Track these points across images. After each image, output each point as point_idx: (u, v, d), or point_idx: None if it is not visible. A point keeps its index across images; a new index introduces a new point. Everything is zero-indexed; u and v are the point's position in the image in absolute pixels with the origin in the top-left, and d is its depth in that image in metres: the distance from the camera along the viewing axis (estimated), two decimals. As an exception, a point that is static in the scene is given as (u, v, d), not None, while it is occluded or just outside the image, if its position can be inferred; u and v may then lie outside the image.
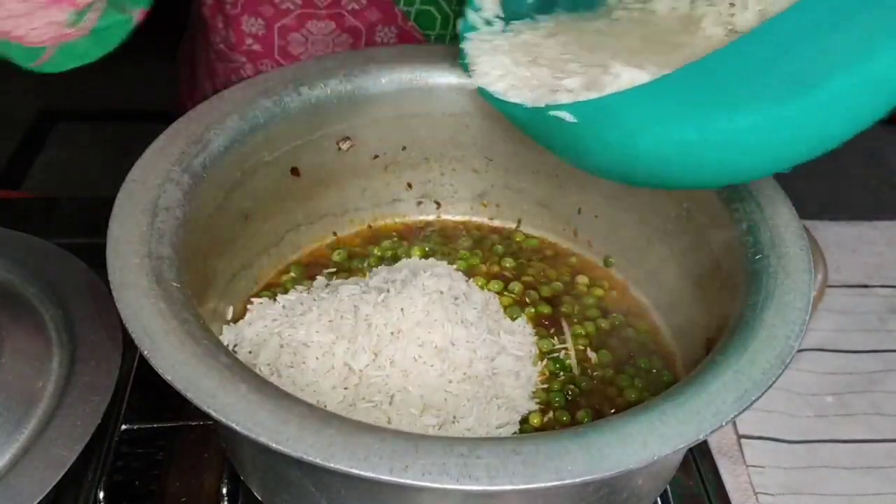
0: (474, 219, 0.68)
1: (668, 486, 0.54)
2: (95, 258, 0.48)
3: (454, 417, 0.48)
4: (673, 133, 0.42)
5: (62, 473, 0.47)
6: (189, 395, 0.37)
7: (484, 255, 0.63)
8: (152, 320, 0.40)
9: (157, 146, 0.50)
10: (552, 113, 0.45)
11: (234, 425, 0.36)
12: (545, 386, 0.53)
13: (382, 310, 0.51)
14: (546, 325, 0.58)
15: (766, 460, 0.59)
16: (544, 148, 0.52)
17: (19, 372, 0.51)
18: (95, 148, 1.93)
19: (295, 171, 0.59)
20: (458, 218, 0.68)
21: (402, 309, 0.51)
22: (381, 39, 0.72)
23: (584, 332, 0.57)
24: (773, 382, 0.40)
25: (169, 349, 0.39)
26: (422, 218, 0.67)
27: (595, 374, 0.55)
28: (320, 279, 0.59)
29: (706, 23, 0.48)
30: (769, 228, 0.49)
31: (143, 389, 0.57)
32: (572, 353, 0.56)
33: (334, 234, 0.65)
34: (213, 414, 0.37)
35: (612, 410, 0.53)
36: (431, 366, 0.50)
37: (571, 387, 0.54)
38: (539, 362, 0.55)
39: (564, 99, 0.46)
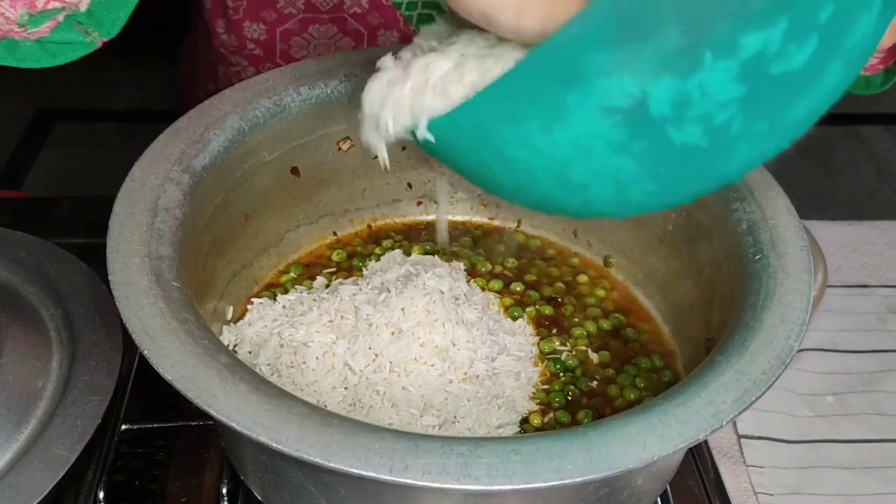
0: (474, 219, 0.68)
1: (668, 486, 0.54)
2: (95, 258, 0.48)
3: (454, 417, 0.48)
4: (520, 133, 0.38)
5: (62, 473, 0.47)
6: (189, 395, 0.37)
7: (485, 254, 0.63)
8: (152, 320, 0.40)
9: (157, 146, 0.50)
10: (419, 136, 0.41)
11: (234, 425, 0.36)
12: (546, 386, 0.53)
13: (384, 309, 0.51)
14: (547, 326, 0.58)
15: (766, 460, 0.59)
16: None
17: (19, 372, 0.51)
18: (95, 148, 1.93)
19: (295, 171, 0.59)
20: (459, 218, 0.68)
21: (402, 309, 0.51)
22: (384, 43, 0.72)
23: (585, 333, 0.57)
24: (773, 382, 0.41)
25: (169, 349, 0.39)
26: (422, 218, 0.67)
27: (596, 374, 0.55)
28: (320, 279, 0.59)
29: None
30: (769, 228, 0.49)
31: (143, 389, 0.57)
32: (574, 353, 0.56)
33: (334, 233, 0.65)
34: (213, 414, 0.37)
35: (612, 411, 0.53)
36: (432, 366, 0.50)
37: (571, 387, 0.54)
38: (540, 363, 0.55)
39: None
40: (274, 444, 0.36)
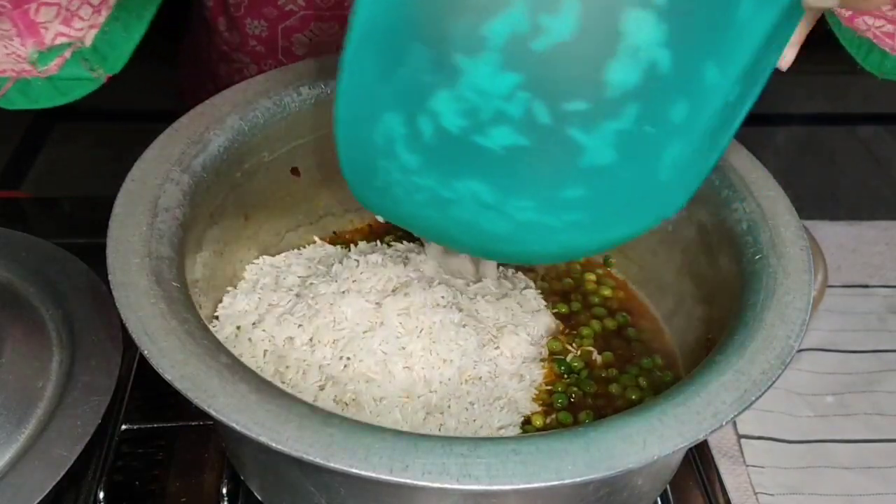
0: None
1: (668, 486, 0.54)
2: (95, 258, 0.48)
3: (456, 421, 0.48)
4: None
5: (62, 473, 0.47)
6: (189, 395, 0.37)
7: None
8: (152, 320, 0.40)
9: (157, 146, 0.50)
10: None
11: (234, 425, 0.36)
12: (549, 387, 0.53)
13: (389, 308, 0.51)
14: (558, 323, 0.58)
15: (766, 460, 0.59)
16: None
17: (19, 372, 0.51)
18: (95, 148, 1.93)
19: (295, 171, 0.59)
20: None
21: (407, 308, 0.51)
22: None
23: (592, 332, 0.57)
24: (773, 382, 0.40)
25: (169, 349, 0.39)
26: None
27: (599, 374, 0.55)
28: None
29: None
30: (769, 228, 0.49)
31: (143, 389, 0.57)
32: (580, 354, 0.56)
33: (334, 233, 0.65)
34: (213, 414, 0.37)
35: (614, 411, 0.53)
36: (434, 367, 0.50)
37: (575, 389, 0.53)
38: (545, 364, 0.54)
39: None
40: (274, 444, 0.36)
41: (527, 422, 0.51)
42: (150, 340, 0.39)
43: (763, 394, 0.40)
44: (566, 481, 0.35)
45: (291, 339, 0.51)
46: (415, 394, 0.49)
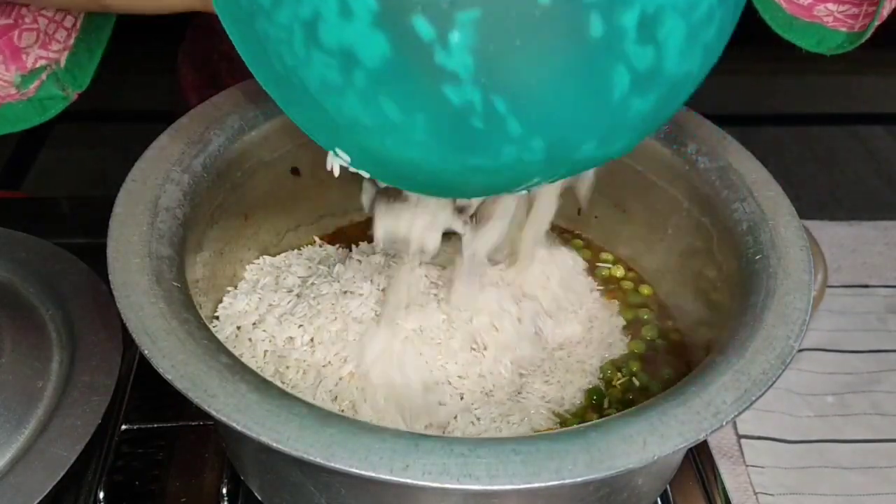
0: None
1: (668, 486, 0.54)
2: (95, 258, 0.48)
3: (462, 426, 0.48)
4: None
5: (62, 473, 0.47)
6: (189, 394, 0.37)
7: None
8: (152, 320, 0.40)
9: (157, 146, 0.50)
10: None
11: (234, 425, 0.36)
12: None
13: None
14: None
15: (766, 460, 0.59)
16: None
17: (19, 372, 0.51)
18: (95, 148, 1.93)
19: (295, 171, 0.59)
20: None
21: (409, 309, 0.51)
22: None
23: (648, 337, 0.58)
24: (773, 382, 0.40)
25: (169, 349, 0.39)
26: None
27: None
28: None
29: None
30: (769, 228, 0.49)
31: (143, 389, 0.57)
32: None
33: (335, 233, 0.65)
34: (214, 414, 0.37)
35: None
36: (436, 370, 0.50)
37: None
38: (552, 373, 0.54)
39: None
40: (274, 444, 0.36)
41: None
42: (151, 340, 0.39)
43: (763, 394, 0.40)
44: (566, 481, 0.35)
45: (291, 339, 0.51)
46: (416, 394, 0.49)
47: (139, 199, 0.47)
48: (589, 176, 0.51)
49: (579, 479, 0.36)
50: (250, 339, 0.51)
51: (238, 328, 0.53)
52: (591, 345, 0.55)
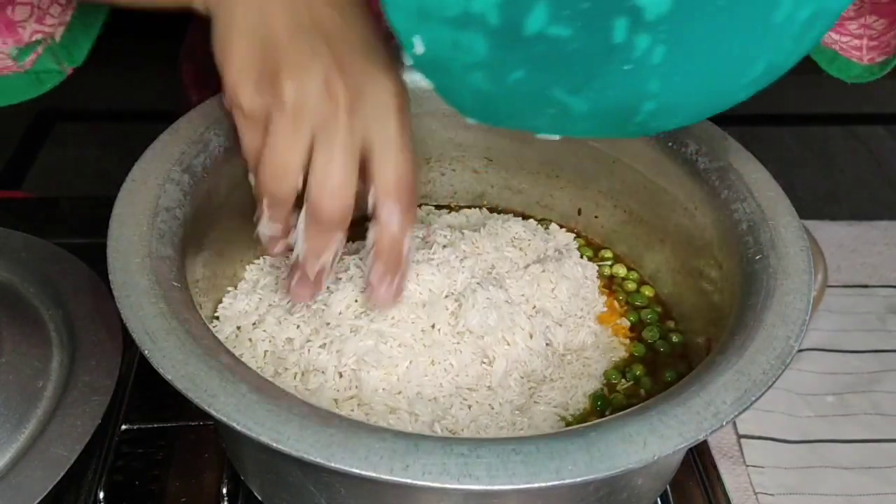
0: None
1: (668, 486, 0.54)
2: (95, 258, 0.48)
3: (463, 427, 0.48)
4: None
5: (62, 473, 0.47)
6: (189, 394, 0.37)
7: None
8: (152, 320, 0.40)
9: (157, 146, 0.50)
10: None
11: (234, 425, 0.36)
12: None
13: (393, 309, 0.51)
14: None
15: (766, 460, 0.59)
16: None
17: (19, 372, 0.51)
18: (95, 148, 1.93)
19: (295, 171, 0.59)
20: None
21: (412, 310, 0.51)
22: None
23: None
24: (773, 382, 0.40)
25: (169, 349, 0.39)
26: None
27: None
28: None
29: None
30: (769, 228, 0.49)
31: (143, 389, 0.57)
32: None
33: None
34: (214, 414, 0.37)
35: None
36: (437, 372, 0.50)
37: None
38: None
39: None
40: (274, 444, 0.36)
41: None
42: (151, 340, 0.39)
43: (763, 394, 0.40)
44: (566, 481, 0.35)
45: (291, 339, 0.51)
46: (417, 396, 0.49)
47: (139, 199, 0.47)
48: None
49: (579, 479, 0.36)
50: (250, 340, 0.51)
51: (238, 328, 0.53)
52: (597, 349, 0.55)
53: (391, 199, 0.45)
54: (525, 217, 0.66)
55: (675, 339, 0.57)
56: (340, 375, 0.49)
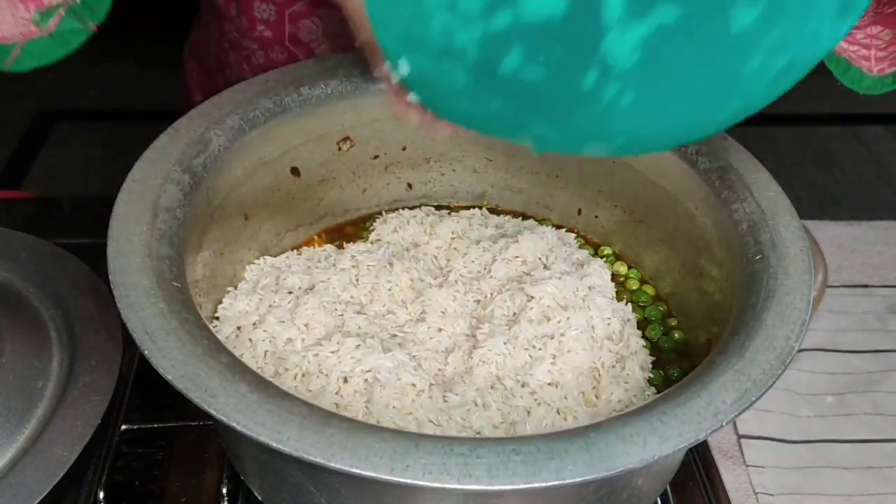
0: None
1: (668, 486, 0.54)
2: (95, 258, 0.48)
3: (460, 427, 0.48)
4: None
5: (62, 473, 0.47)
6: (189, 394, 0.37)
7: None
8: (152, 320, 0.40)
9: (157, 146, 0.50)
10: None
11: (234, 425, 0.36)
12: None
13: (394, 309, 0.51)
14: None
15: (766, 460, 0.59)
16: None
17: (19, 372, 0.51)
18: (95, 148, 1.93)
19: (295, 171, 0.59)
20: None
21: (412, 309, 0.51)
22: None
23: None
24: (773, 382, 0.41)
25: (169, 349, 0.39)
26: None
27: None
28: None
29: None
30: (769, 228, 0.49)
31: (143, 389, 0.57)
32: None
33: (335, 233, 0.65)
34: (214, 414, 0.37)
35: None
36: (438, 373, 0.50)
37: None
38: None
39: None
40: (274, 444, 0.36)
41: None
42: (151, 340, 0.39)
43: (763, 394, 0.40)
44: (566, 481, 0.35)
45: (291, 340, 0.51)
46: (417, 395, 0.49)
47: (139, 199, 0.47)
48: None
49: (579, 479, 0.36)
50: (250, 340, 0.51)
51: (238, 328, 0.53)
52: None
53: None
54: (525, 217, 0.66)
55: (676, 336, 0.57)
56: (345, 381, 0.49)
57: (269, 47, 0.73)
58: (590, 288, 0.55)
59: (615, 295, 0.57)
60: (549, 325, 0.52)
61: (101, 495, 0.51)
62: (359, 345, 0.49)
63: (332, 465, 0.35)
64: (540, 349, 0.50)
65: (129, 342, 0.52)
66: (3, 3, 0.53)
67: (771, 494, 0.57)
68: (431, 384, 0.49)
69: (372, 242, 0.61)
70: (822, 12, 0.36)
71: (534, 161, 0.64)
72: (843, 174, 1.92)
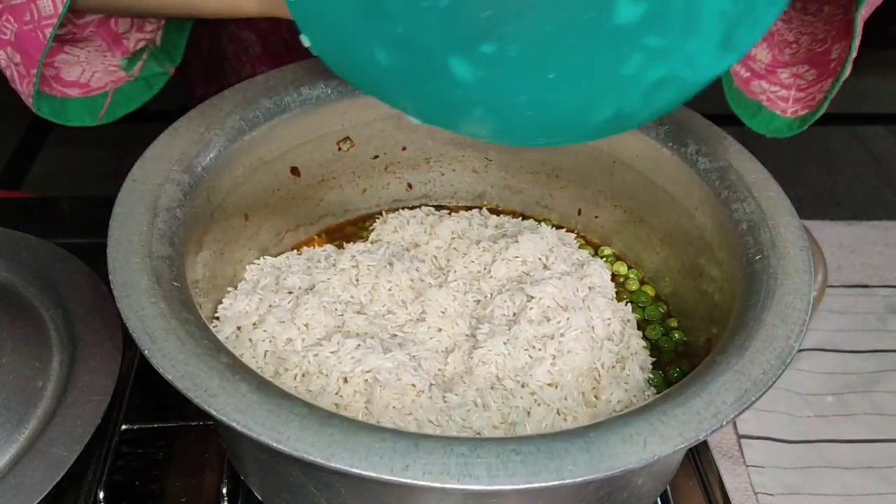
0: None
1: (668, 486, 0.54)
2: (95, 258, 0.48)
3: (459, 427, 0.48)
4: None
5: (62, 473, 0.47)
6: (189, 394, 0.37)
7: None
8: (152, 320, 0.40)
9: (157, 146, 0.50)
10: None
11: (234, 425, 0.36)
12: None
13: (396, 309, 0.51)
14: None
15: (766, 460, 0.59)
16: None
17: (19, 372, 0.51)
18: (95, 148, 1.93)
19: (295, 171, 0.59)
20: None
21: (414, 309, 0.51)
22: None
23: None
24: (773, 382, 0.40)
25: (169, 349, 0.39)
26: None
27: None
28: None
29: None
30: (769, 228, 0.49)
31: (143, 389, 0.57)
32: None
33: (335, 233, 0.65)
34: (214, 414, 0.37)
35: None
36: (438, 373, 0.50)
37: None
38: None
39: None
40: (274, 444, 0.36)
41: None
42: (151, 340, 0.39)
43: (763, 394, 0.40)
44: (566, 481, 0.35)
45: (292, 340, 0.51)
46: (417, 395, 0.49)
47: (139, 199, 0.47)
48: None
49: (579, 479, 0.36)
50: (250, 340, 0.51)
51: (238, 328, 0.53)
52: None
53: None
54: (525, 217, 0.66)
55: (676, 336, 0.57)
56: (346, 381, 0.49)
57: (266, 38, 0.73)
58: (590, 288, 0.55)
59: (615, 295, 0.57)
60: (549, 326, 0.52)
61: (101, 495, 0.51)
62: (359, 345, 0.49)
63: (332, 464, 0.35)
64: (540, 349, 0.50)
65: (129, 342, 0.52)
66: (94, 53, 0.55)
67: (771, 494, 0.57)
68: (431, 384, 0.49)
69: (372, 242, 0.61)
70: (704, 36, 0.37)
71: (534, 161, 0.64)
72: (843, 174, 1.92)
